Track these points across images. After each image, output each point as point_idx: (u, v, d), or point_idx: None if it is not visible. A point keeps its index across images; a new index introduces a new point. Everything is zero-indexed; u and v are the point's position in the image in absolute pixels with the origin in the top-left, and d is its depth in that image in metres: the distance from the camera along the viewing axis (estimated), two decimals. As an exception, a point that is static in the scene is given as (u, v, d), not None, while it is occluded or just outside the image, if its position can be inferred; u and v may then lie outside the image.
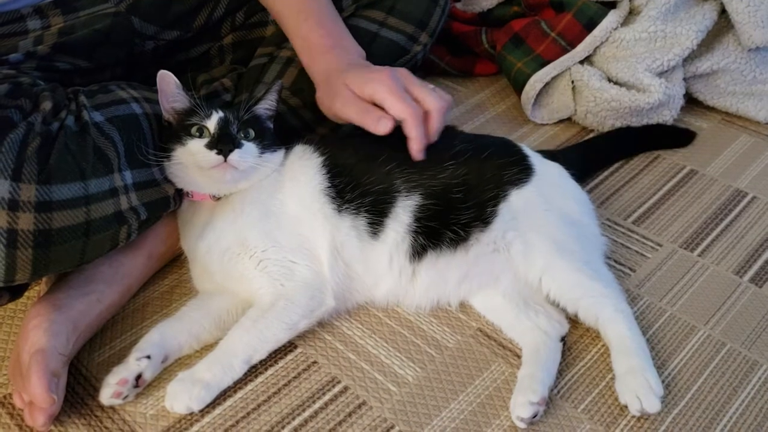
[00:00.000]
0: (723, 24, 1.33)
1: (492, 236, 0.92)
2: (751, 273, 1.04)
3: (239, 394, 0.85)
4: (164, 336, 0.87)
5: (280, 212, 0.92)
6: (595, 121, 1.31)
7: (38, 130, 0.78)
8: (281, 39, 1.11)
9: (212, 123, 0.89)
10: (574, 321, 0.93)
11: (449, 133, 0.97)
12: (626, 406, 0.82)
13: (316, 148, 0.96)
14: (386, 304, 0.96)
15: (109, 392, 0.82)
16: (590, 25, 1.32)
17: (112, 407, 0.83)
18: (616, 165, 1.25)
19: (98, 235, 0.81)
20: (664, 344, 0.92)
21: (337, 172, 0.93)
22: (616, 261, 1.05)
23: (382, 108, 0.91)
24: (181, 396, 0.81)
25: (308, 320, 0.90)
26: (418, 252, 0.91)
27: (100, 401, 0.83)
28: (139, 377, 0.83)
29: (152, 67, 0.94)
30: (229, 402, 0.84)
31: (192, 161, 0.88)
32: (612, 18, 1.31)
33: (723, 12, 1.31)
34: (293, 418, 0.83)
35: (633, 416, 0.83)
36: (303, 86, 1.06)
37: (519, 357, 0.90)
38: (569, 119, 1.36)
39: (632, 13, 1.34)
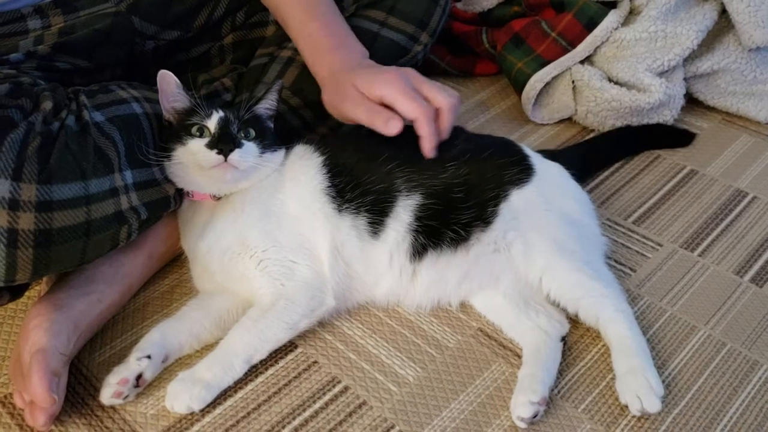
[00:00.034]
0: (723, 24, 1.33)
1: (493, 236, 0.92)
2: (751, 273, 1.04)
3: (240, 393, 0.85)
4: (165, 336, 0.87)
5: (281, 212, 0.92)
6: (596, 121, 1.31)
7: (39, 129, 0.78)
8: (282, 39, 1.12)
9: (213, 123, 0.89)
10: (574, 321, 0.93)
11: (453, 132, 0.97)
12: (627, 406, 0.82)
13: (316, 148, 0.96)
14: (387, 303, 0.96)
15: (109, 392, 0.82)
16: (591, 25, 1.31)
17: (112, 407, 0.84)
18: (616, 165, 1.25)
19: (99, 235, 0.81)
20: (664, 344, 0.92)
21: (337, 171, 0.93)
22: (616, 261, 1.05)
23: (390, 108, 0.91)
24: (182, 396, 0.81)
25: (309, 320, 0.90)
26: (418, 251, 0.91)
27: (100, 401, 0.83)
28: (139, 377, 0.83)
29: (152, 66, 0.94)
30: (229, 402, 0.84)
31: (192, 161, 0.88)
32: (612, 18, 1.31)
33: (723, 12, 1.31)
34: (294, 418, 0.83)
35: (633, 416, 0.83)
36: (303, 86, 1.06)
37: (519, 357, 0.90)
38: (570, 119, 1.36)
39: (633, 13, 1.34)
